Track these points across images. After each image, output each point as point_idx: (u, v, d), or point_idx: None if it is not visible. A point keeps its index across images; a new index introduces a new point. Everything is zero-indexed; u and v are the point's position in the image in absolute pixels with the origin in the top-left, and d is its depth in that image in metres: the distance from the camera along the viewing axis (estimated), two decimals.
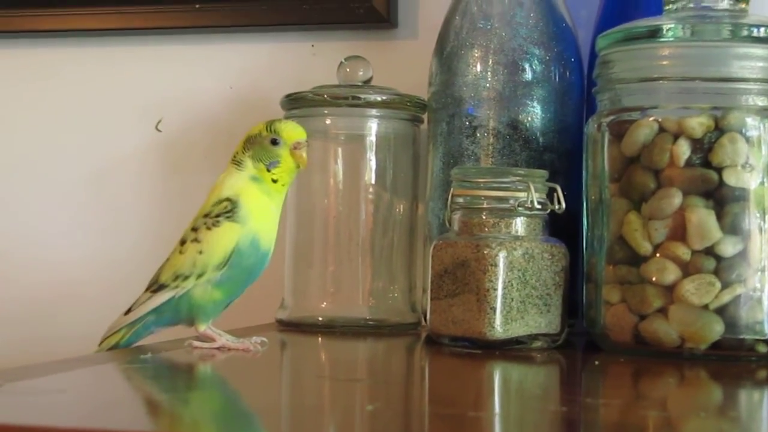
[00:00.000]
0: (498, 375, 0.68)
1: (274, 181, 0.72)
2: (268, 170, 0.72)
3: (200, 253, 0.69)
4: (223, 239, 0.69)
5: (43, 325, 1.03)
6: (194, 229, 0.70)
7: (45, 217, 1.04)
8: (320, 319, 0.84)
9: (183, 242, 0.70)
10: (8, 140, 1.05)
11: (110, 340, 0.71)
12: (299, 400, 0.58)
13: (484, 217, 0.74)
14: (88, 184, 1.03)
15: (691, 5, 0.72)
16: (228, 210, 0.70)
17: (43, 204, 1.04)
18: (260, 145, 0.72)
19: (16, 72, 1.05)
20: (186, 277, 0.69)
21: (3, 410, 0.50)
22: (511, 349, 0.72)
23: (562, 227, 0.77)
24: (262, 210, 0.71)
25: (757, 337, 0.69)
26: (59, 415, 0.50)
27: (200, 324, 0.70)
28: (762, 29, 0.70)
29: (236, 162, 0.73)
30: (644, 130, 0.70)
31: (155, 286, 0.70)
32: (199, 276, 0.69)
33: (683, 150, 0.69)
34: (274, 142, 0.72)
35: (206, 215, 0.70)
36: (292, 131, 0.72)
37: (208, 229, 0.69)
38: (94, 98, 1.03)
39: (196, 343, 0.70)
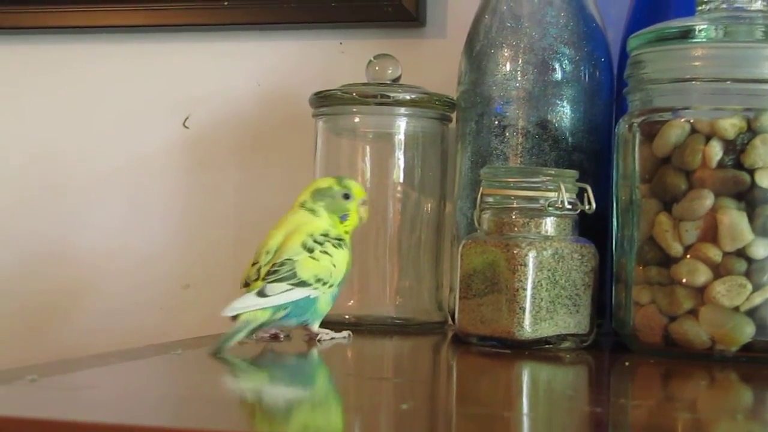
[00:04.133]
0: (527, 375, 0.68)
1: (345, 233, 0.76)
2: (341, 221, 0.76)
3: (334, 266, 0.73)
4: (345, 260, 0.75)
5: (66, 318, 1.03)
6: (317, 242, 0.74)
7: (71, 211, 1.04)
8: (347, 317, 0.84)
9: (310, 249, 0.73)
10: (37, 136, 1.05)
11: (256, 314, 0.70)
12: (331, 396, 0.58)
13: (513, 217, 0.74)
14: (116, 179, 1.03)
15: (724, 6, 0.72)
16: (340, 239, 0.75)
17: (69, 199, 1.04)
18: (332, 197, 0.76)
19: (45, 68, 1.06)
20: (324, 283, 0.73)
21: (35, 404, 0.50)
22: (539, 349, 0.72)
23: (589, 227, 0.76)
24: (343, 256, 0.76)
25: None
26: (89, 410, 0.50)
27: (314, 323, 0.74)
28: None
29: (309, 209, 0.76)
30: (676, 130, 0.70)
31: (295, 281, 0.72)
32: (330, 286, 0.73)
33: (715, 151, 0.69)
34: (347, 197, 0.76)
35: (324, 235, 0.74)
36: (360, 189, 0.77)
37: (335, 247, 0.74)
38: (122, 95, 1.04)
39: (324, 336, 0.74)
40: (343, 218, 0.76)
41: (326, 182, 0.77)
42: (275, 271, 0.72)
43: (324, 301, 0.73)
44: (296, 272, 0.72)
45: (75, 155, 1.04)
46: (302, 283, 0.72)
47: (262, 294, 0.71)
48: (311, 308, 0.73)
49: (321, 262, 0.73)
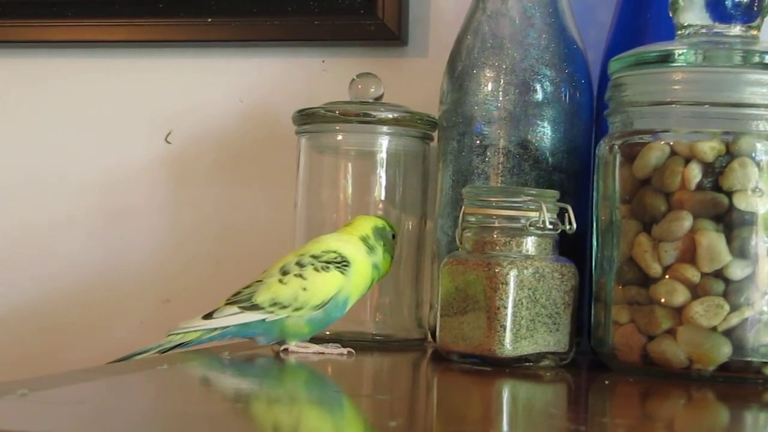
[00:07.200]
0: (507, 392, 0.69)
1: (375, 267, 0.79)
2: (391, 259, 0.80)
3: (304, 290, 0.74)
4: (328, 285, 0.76)
5: (49, 334, 1.03)
6: (299, 264, 0.76)
7: (54, 227, 1.04)
8: (327, 333, 0.84)
9: (285, 273, 0.75)
10: (18, 150, 1.06)
11: (186, 336, 0.74)
12: (311, 413, 0.58)
13: (495, 236, 0.74)
14: (97, 194, 1.03)
15: (703, 31, 0.73)
16: (339, 261, 0.76)
17: (51, 214, 1.04)
18: (386, 238, 0.79)
19: (27, 82, 1.06)
20: (284, 307, 0.74)
21: (28, 419, 0.51)
22: (519, 367, 0.73)
23: (569, 247, 0.77)
24: (362, 285, 0.78)
25: (764, 360, 0.69)
26: (79, 425, 0.51)
27: (291, 341, 0.76)
28: None
29: (369, 246, 0.78)
30: (656, 153, 0.71)
31: (247, 304, 0.74)
32: (296, 309, 0.74)
33: (694, 173, 0.70)
34: (393, 237, 0.80)
35: (314, 257, 0.76)
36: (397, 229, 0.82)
37: (317, 270, 0.75)
38: (105, 109, 1.04)
39: (293, 348, 0.75)
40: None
41: (380, 222, 0.80)
42: (239, 293, 0.75)
43: (294, 323, 0.74)
44: (253, 296, 0.74)
45: (56, 169, 1.04)
46: (254, 307, 0.74)
47: (209, 317, 0.74)
48: (273, 330, 0.75)
49: (288, 285, 0.74)
